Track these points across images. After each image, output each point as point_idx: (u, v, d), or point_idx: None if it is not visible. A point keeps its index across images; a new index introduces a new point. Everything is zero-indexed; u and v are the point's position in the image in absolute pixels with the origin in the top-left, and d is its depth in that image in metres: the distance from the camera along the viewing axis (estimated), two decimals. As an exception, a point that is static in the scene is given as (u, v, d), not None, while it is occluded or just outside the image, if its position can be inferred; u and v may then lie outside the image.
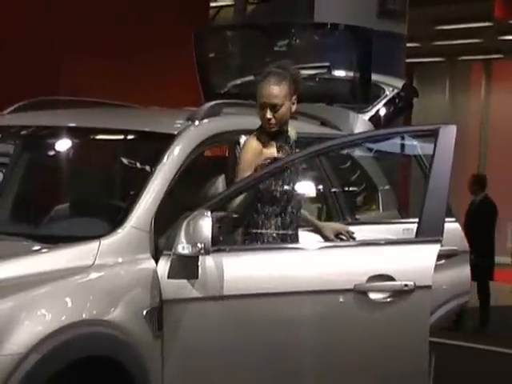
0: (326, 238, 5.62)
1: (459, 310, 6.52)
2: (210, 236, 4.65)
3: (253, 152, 5.29)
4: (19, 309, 4.27)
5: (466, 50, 19.73)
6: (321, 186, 6.16)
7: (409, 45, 13.06)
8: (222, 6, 16.56)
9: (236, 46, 7.52)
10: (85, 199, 5.89)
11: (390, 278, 4.98)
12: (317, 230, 5.70)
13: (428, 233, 5.05)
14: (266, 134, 5.35)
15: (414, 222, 5.26)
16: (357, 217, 6.27)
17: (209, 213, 4.71)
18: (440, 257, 5.81)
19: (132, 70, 10.83)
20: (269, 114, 5.26)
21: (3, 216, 5.89)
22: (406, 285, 4.97)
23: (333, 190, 6.15)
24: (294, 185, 5.39)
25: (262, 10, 16.64)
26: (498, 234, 18.85)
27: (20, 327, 4.21)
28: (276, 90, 5.29)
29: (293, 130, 5.50)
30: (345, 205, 6.20)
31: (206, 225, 4.67)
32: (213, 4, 14.86)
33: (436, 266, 5.73)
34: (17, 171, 6.11)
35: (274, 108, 5.27)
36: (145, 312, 4.70)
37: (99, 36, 10.54)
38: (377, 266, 5.01)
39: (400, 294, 4.96)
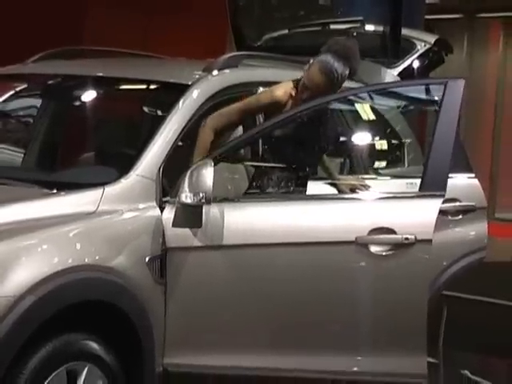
0: (341, 191, 5.58)
1: (475, 265, 6.34)
2: (212, 186, 4.61)
3: (281, 94, 5.25)
4: (18, 252, 4.25)
5: (486, 7, 19.36)
6: (343, 140, 6.15)
7: (428, 1, 12.87)
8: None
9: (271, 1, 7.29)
10: (98, 147, 5.93)
11: (391, 231, 4.92)
12: (333, 183, 5.65)
13: (431, 187, 5.03)
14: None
15: None
16: (379, 171, 6.25)
17: (212, 163, 4.67)
18: (457, 212, 6.08)
19: (160, 22, 10.54)
20: (305, 95, 5.23)
21: (23, 164, 5.90)
22: (406, 238, 4.92)
23: (355, 143, 6.20)
24: (302, 134, 5.35)
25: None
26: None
27: (18, 270, 4.19)
28: (322, 84, 5.28)
29: None
30: (368, 159, 6.22)
31: (208, 175, 4.63)
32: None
33: (453, 221, 6.02)
34: (40, 121, 6.12)
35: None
36: (147, 259, 4.70)
37: None
38: (378, 220, 4.97)
39: (400, 247, 4.92)
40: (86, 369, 4.52)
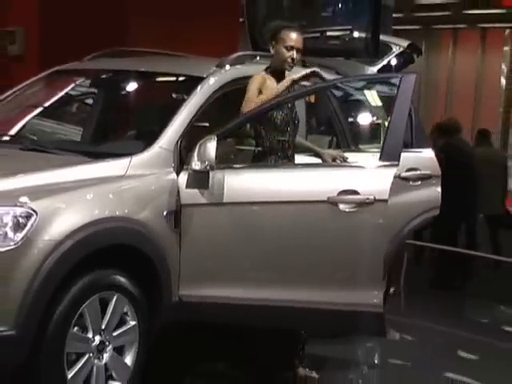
0: (325, 162, 5.42)
1: (431, 220, 6.24)
2: (214, 156, 4.57)
3: (259, 84, 5.03)
4: (60, 205, 4.22)
5: (438, 20, 19.30)
6: (330, 121, 6.06)
7: (394, 15, 12.69)
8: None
9: (279, 12, 7.06)
10: (132, 126, 5.86)
11: (356, 193, 4.82)
12: (317, 155, 5.49)
13: (387, 159, 4.90)
14: (274, 74, 5.13)
15: None
16: (360, 147, 6.08)
17: (215, 138, 4.62)
18: (417, 179, 5.94)
19: (185, 27, 10.37)
20: (295, 55, 5.06)
21: (81, 139, 5.84)
22: (367, 198, 4.81)
23: (340, 124, 6.02)
24: (291, 116, 5.19)
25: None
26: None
27: (60, 219, 4.16)
28: (301, 38, 5.13)
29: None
30: (350, 136, 6.06)
31: (211, 147, 4.59)
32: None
33: (413, 186, 5.88)
34: (94, 106, 6.06)
35: (297, 51, 5.09)
36: (165, 213, 4.64)
37: (153, 6, 10.11)
38: (346, 183, 4.86)
39: (363, 205, 4.82)
40: (115, 297, 4.48)
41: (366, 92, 6.43)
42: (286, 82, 5.03)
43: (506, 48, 19.87)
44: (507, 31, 19.73)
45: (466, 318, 7.75)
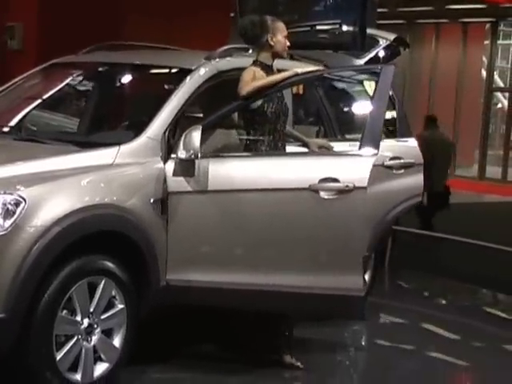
0: (311, 151, 5.36)
1: (414, 206, 6.28)
2: (199, 145, 4.53)
3: (252, 76, 4.95)
4: (49, 193, 4.20)
5: (421, 15, 19.29)
6: (318, 112, 6.02)
7: (378, 10, 12.61)
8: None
9: (271, 7, 6.98)
10: (122, 116, 5.82)
11: (336, 180, 4.75)
12: (304, 145, 5.44)
13: (367, 147, 4.80)
14: (263, 67, 5.05)
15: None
16: (347, 136, 6.03)
17: (200, 128, 4.58)
18: (400, 167, 5.96)
19: (178, 22, 10.40)
20: (288, 43, 5.07)
21: (77, 129, 5.80)
22: (347, 185, 4.74)
23: (327, 114, 6.01)
24: (282, 107, 5.11)
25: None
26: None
27: (48, 207, 4.13)
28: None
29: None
30: (337, 126, 6.04)
31: (196, 136, 4.55)
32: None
33: (397, 174, 5.90)
34: (90, 96, 6.04)
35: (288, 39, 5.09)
36: (152, 200, 4.59)
37: (147, 3, 10.17)
38: (326, 171, 4.78)
39: (343, 192, 4.74)
40: (102, 282, 4.43)
41: (360, 83, 6.37)
42: (288, 73, 4.96)
43: (487, 42, 19.85)
44: (488, 25, 19.72)
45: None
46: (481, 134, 19.46)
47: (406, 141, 6.30)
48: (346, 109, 6.70)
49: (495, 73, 20.08)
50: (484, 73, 20.07)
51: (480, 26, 20.08)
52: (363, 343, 6.17)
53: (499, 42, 19.94)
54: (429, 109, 19.63)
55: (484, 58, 20.07)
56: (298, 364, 5.14)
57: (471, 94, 19.89)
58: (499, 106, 21.89)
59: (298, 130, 5.63)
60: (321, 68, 5.59)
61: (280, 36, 5.06)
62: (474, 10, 18.38)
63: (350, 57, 6.50)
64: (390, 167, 5.91)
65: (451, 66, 19.80)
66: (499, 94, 21.32)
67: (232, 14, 12.26)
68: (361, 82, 6.39)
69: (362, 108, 6.41)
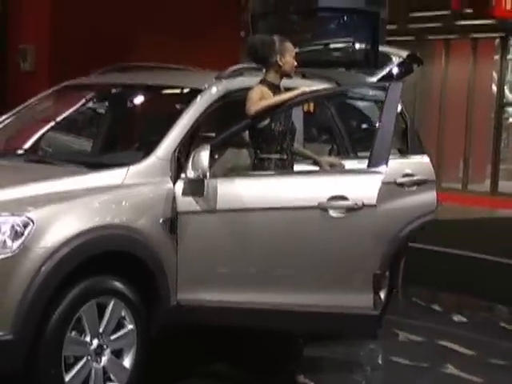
0: (323, 169, 5.35)
1: (427, 224, 6.18)
2: (207, 165, 4.51)
3: (260, 94, 4.95)
4: (57, 214, 4.19)
5: (431, 31, 19.16)
6: (330, 130, 5.99)
7: (388, 27, 12.60)
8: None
9: (285, 27, 6.92)
10: (133, 136, 5.86)
11: (345, 199, 4.69)
12: (315, 163, 5.42)
13: (376, 165, 4.73)
14: (270, 86, 5.04)
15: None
16: (358, 154, 5.92)
17: (208, 147, 4.55)
18: (413, 184, 5.94)
19: (191, 43, 10.41)
20: (295, 62, 5.08)
21: (91, 150, 5.85)
22: (356, 203, 4.67)
23: (339, 131, 5.97)
24: (288, 126, 5.11)
25: None
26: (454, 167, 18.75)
27: (56, 228, 4.12)
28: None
29: None
30: (349, 144, 5.98)
31: (204, 156, 4.52)
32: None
33: (409, 191, 5.89)
34: (102, 118, 6.07)
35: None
36: (161, 220, 4.57)
37: (157, 24, 10.20)
38: (335, 189, 4.72)
39: (352, 210, 4.68)
40: (112, 302, 4.40)
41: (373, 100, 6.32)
42: (295, 92, 4.95)
43: (497, 57, 19.80)
44: (497, 41, 19.67)
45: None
46: (492, 149, 19.36)
47: (419, 157, 6.26)
48: (358, 126, 6.67)
49: (505, 88, 20.00)
50: (494, 88, 20.00)
51: (489, 42, 20.00)
52: (379, 361, 6.07)
53: (509, 56, 19.87)
54: (440, 124, 19.59)
55: (494, 73, 20.00)
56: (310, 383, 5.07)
57: (482, 109, 19.80)
58: (510, 120, 21.81)
59: (311, 149, 5.60)
60: (328, 86, 5.54)
61: (289, 56, 5.05)
62: (483, 26, 18.33)
63: (362, 74, 6.45)
64: (402, 184, 5.88)
65: (461, 81, 19.73)
66: (510, 109, 21.25)
67: (242, 33, 12.36)
68: (374, 100, 6.34)
69: (374, 125, 6.38)
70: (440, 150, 18.43)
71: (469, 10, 16.81)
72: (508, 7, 16.57)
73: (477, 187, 19.24)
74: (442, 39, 19.83)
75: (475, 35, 19.23)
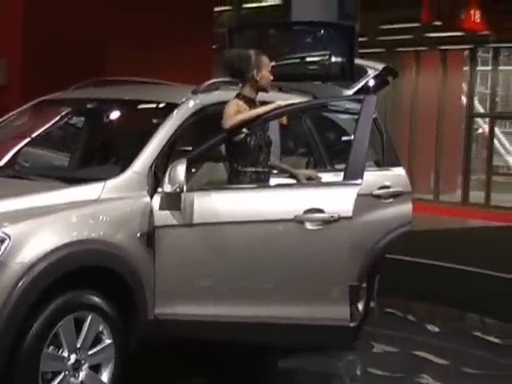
0: (299, 182, 5.34)
1: (403, 236, 6.23)
2: (184, 179, 4.49)
3: (236, 109, 4.94)
4: (33, 229, 4.17)
5: (401, 43, 19.40)
6: (307, 143, 5.99)
7: (360, 39, 12.65)
8: (222, 11, 16.12)
9: (262, 41, 6.95)
10: (110, 151, 5.80)
11: (321, 211, 4.66)
12: (292, 176, 5.40)
13: (351, 177, 4.71)
14: (246, 100, 5.04)
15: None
16: (336, 166, 5.91)
17: (185, 161, 4.54)
18: (389, 196, 5.95)
19: (165, 55, 10.60)
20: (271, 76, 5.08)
21: (68, 165, 5.82)
22: (332, 216, 4.64)
23: (316, 144, 5.97)
24: (264, 139, 5.10)
25: (253, 13, 16.43)
26: (425, 177, 18.87)
27: (33, 243, 4.10)
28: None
29: None
30: (326, 157, 5.99)
31: (180, 170, 4.50)
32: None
33: (386, 203, 5.89)
34: (79, 132, 6.05)
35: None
36: (138, 234, 4.55)
37: (131, 38, 10.30)
38: (311, 202, 4.70)
39: (328, 223, 4.66)
40: (89, 317, 4.37)
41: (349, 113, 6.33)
42: (271, 106, 4.94)
43: (466, 68, 19.99)
44: (466, 52, 19.86)
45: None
46: (463, 160, 19.53)
47: (394, 169, 6.31)
48: (335, 139, 6.65)
49: (475, 99, 20.20)
50: (464, 99, 20.19)
51: (459, 53, 20.23)
52: (356, 372, 6.08)
53: (478, 68, 20.08)
54: (410, 135, 19.73)
55: (463, 85, 20.21)
56: None
57: (452, 120, 19.99)
58: (480, 131, 22.02)
59: (288, 162, 5.60)
60: (303, 100, 5.55)
61: (265, 71, 5.06)
62: (452, 38, 18.53)
63: (339, 87, 6.47)
64: (378, 196, 5.90)
65: (431, 93, 19.91)
66: (480, 120, 21.46)
67: (214, 46, 12.40)
68: (350, 112, 6.33)
69: (351, 138, 6.39)
70: (411, 161, 18.55)
71: (438, 23, 16.93)
72: (477, 20, 16.75)
73: (448, 197, 19.40)
74: (412, 51, 20.04)
75: (445, 47, 19.44)
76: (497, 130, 20.92)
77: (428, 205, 16.76)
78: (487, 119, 20.37)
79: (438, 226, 11.07)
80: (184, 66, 10.44)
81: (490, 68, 20.43)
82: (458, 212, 17.63)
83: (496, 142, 20.85)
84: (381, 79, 6.78)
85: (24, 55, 9.74)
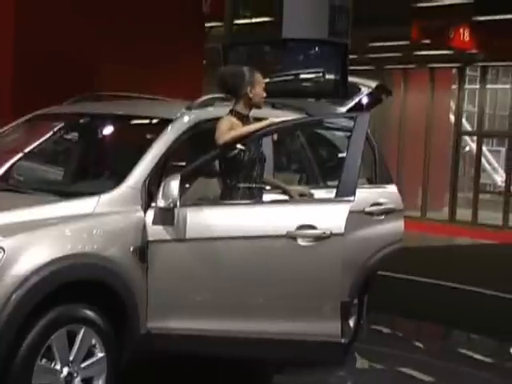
0: (292, 198, 5.35)
1: (395, 253, 6.26)
2: (177, 194, 4.51)
3: (229, 125, 4.97)
4: (27, 242, 4.19)
5: (390, 61, 19.47)
6: (300, 159, 6.03)
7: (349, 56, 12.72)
8: (212, 26, 16.17)
9: (256, 57, 7.03)
10: (104, 165, 5.82)
11: (313, 227, 4.71)
12: (284, 192, 5.41)
13: (343, 194, 4.77)
14: (239, 116, 5.08)
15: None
16: (328, 183, 5.96)
17: (178, 177, 4.55)
18: (381, 213, 5.97)
19: (159, 72, 10.63)
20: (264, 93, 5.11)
21: (62, 179, 5.81)
22: (324, 232, 4.69)
23: (309, 161, 6.02)
24: (258, 155, 5.14)
25: (244, 29, 16.48)
26: (413, 194, 18.94)
27: (27, 256, 4.12)
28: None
29: None
30: (319, 173, 6.04)
31: (174, 186, 4.52)
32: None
33: (378, 220, 5.91)
34: (74, 147, 6.07)
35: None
36: (131, 249, 4.56)
37: (122, 53, 10.34)
38: (304, 218, 4.75)
39: (320, 239, 4.70)
40: (82, 330, 4.39)
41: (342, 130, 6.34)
42: (264, 123, 4.97)
43: (454, 86, 20.11)
44: (455, 71, 19.99)
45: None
46: (450, 177, 19.62)
47: (387, 187, 6.33)
48: (327, 156, 6.69)
49: (463, 117, 20.33)
50: (452, 117, 20.31)
51: (447, 72, 20.36)
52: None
53: (466, 86, 20.21)
54: (399, 153, 19.80)
55: (452, 103, 20.33)
56: None
57: (440, 137, 20.09)
58: (467, 149, 22.15)
59: (281, 178, 5.62)
60: (297, 117, 5.59)
61: (258, 88, 5.09)
62: (440, 56, 18.64)
63: (332, 105, 6.50)
64: (370, 213, 5.92)
65: (420, 110, 20.02)
66: (467, 138, 21.58)
67: (204, 62, 12.45)
68: (344, 129, 6.39)
69: (343, 155, 6.42)
70: (399, 178, 18.59)
71: (427, 41, 17.05)
72: (465, 38, 16.87)
73: (435, 215, 19.47)
74: (400, 69, 20.15)
75: (433, 65, 19.56)
76: (484, 148, 21.08)
77: (415, 222, 16.83)
78: (475, 137, 20.48)
79: (424, 243, 11.09)
80: (174, 82, 10.48)
81: (477, 86, 20.58)
82: (446, 229, 17.71)
83: (483, 160, 21.00)
84: (374, 97, 6.83)
85: (15, 70, 9.75)
